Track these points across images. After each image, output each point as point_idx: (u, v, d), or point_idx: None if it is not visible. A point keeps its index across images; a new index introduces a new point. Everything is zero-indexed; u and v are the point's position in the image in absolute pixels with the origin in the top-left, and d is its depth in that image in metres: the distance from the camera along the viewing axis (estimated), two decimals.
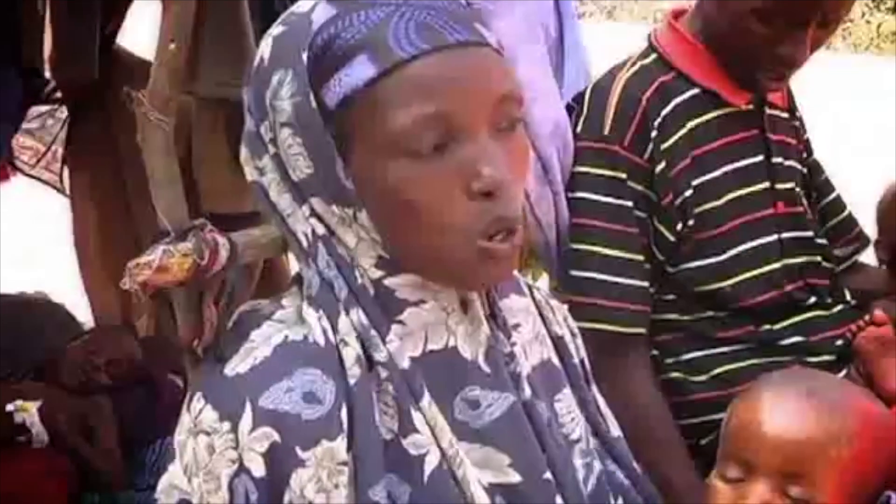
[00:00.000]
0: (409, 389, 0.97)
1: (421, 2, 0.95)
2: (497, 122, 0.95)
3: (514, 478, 0.98)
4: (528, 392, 1.02)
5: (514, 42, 1.78)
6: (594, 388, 1.18)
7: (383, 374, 0.98)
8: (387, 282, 0.99)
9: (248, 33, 2.01)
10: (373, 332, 0.98)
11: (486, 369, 1.01)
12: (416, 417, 0.97)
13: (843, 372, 1.75)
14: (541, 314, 1.13)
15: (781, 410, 1.32)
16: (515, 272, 1.03)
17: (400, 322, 0.99)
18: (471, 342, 1.01)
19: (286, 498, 0.93)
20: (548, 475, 1.00)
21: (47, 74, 2.85)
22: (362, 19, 0.95)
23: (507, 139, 0.95)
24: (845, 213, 2.03)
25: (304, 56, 0.95)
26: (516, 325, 1.04)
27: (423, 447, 0.97)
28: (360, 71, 0.94)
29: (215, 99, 1.96)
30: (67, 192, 3.22)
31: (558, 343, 1.13)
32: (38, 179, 3.33)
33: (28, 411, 2.71)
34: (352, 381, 0.96)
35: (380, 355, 0.98)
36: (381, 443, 0.96)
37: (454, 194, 0.93)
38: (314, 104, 0.95)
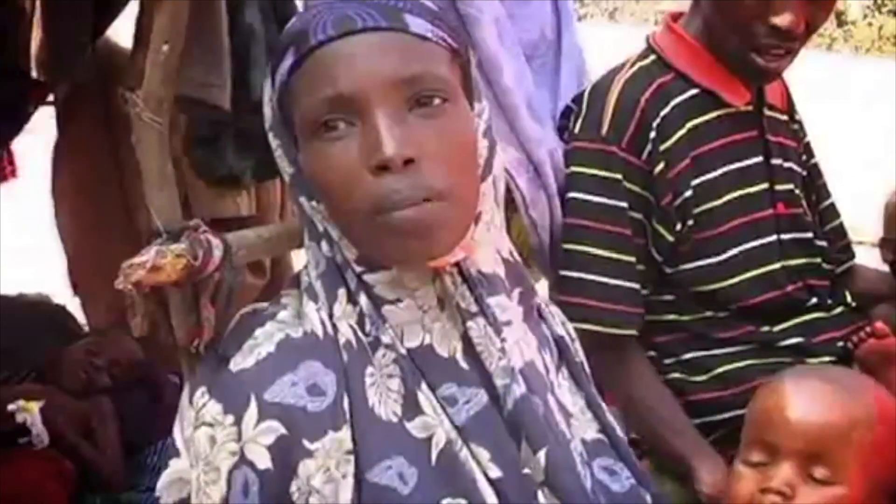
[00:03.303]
0: (416, 370, 0.99)
1: None
2: (407, 101, 0.96)
3: (495, 473, 0.99)
4: (523, 386, 1.02)
5: (500, 49, 1.79)
6: (594, 389, 1.19)
7: (390, 355, 0.99)
8: (367, 277, 1.01)
9: (221, 35, 2.01)
10: (376, 315, 1.00)
11: (464, 365, 1.02)
12: (423, 399, 0.99)
13: None
14: (541, 315, 1.13)
15: (805, 395, 1.35)
16: (459, 251, 1.01)
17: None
18: (447, 339, 1.02)
19: (293, 486, 0.95)
20: (526, 470, 1.00)
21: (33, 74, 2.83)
22: (305, 17, 0.98)
23: (426, 118, 0.96)
24: (837, 222, 2.03)
25: (271, 59, 1.00)
26: (508, 322, 1.04)
27: (430, 429, 0.98)
28: (286, 62, 0.98)
29: (192, 99, 1.96)
30: None
31: (560, 342, 1.13)
32: None
33: (29, 412, 2.71)
34: (345, 367, 0.98)
35: (386, 337, 1.00)
36: (381, 424, 0.97)
37: (359, 173, 0.95)
38: (275, 103, 1.00)
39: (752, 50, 1.72)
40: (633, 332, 1.78)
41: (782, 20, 1.68)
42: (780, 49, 1.72)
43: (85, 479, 2.77)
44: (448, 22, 1.02)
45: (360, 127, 0.95)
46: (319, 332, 1.00)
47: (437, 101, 0.96)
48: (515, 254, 1.10)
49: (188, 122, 2.28)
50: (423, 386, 1.00)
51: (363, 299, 1.01)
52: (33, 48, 2.68)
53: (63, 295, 3.29)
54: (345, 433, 0.96)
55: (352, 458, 0.96)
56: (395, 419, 0.98)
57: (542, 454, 1.00)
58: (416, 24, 0.97)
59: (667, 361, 1.83)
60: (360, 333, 1.00)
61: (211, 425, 0.96)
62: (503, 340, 1.02)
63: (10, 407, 2.69)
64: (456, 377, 1.01)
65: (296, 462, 0.95)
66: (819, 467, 1.30)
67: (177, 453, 1.00)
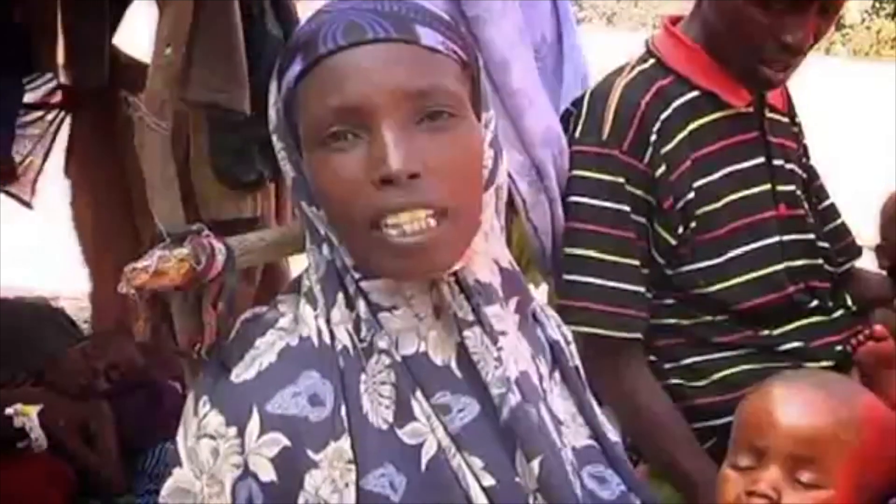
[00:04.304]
0: (411, 377, 0.99)
1: (367, 4, 0.97)
2: (414, 114, 0.95)
3: (488, 481, 0.99)
4: (518, 395, 1.02)
5: (507, 50, 1.79)
6: (589, 394, 1.18)
7: (384, 361, 0.99)
8: (363, 284, 1.01)
9: (237, 39, 2.01)
10: (373, 321, 1.00)
11: (458, 374, 1.02)
12: (416, 406, 0.99)
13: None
14: (536, 320, 1.13)
15: (793, 398, 1.36)
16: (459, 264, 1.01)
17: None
18: (442, 348, 1.02)
19: (301, 500, 0.94)
20: (517, 479, 1.00)
21: (62, 79, 2.85)
22: (314, 23, 0.98)
23: (433, 132, 0.96)
24: (839, 221, 2.02)
25: (278, 63, 1.00)
26: (503, 332, 1.04)
27: (421, 435, 0.98)
28: (294, 68, 0.98)
29: (203, 104, 1.97)
30: (32, 203, 3.21)
31: (554, 348, 1.13)
32: (5, 192, 3.30)
33: (28, 415, 2.71)
34: (342, 375, 0.98)
35: (382, 342, 1.00)
36: (374, 431, 0.97)
37: (362, 185, 0.94)
38: (280, 107, 1.00)
39: (758, 62, 1.73)
40: (637, 335, 1.78)
41: (793, 38, 1.69)
42: (786, 62, 1.73)
43: (83, 482, 2.77)
44: (459, 32, 1.01)
45: (366, 139, 0.95)
46: (315, 339, 1.00)
47: (444, 115, 0.96)
48: (514, 263, 1.10)
49: (212, 130, 2.28)
50: (418, 393, 1.00)
51: (361, 304, 1.00)
52: (60, 55, 2.70)
53: (63, 299, 3.29)
54: (344, 442, 0.96)
55: (353, 466, 0.96)
56: (385, 426, 0.98)
57: (535, 462, 1.00)
58: (427, 35, 0.97)
59: (667, 366, 1.83)
60: (355, 339, 1.00)
61: (213, 437, 0.96)
62: (499, 350, 1.02)
63: (9, 411, 2.69)
64: (450, 386, 1.01)
65: (302, 473, 0.95)
66: (806, 471, 1.30)
67: (179, 462, 0.99)
